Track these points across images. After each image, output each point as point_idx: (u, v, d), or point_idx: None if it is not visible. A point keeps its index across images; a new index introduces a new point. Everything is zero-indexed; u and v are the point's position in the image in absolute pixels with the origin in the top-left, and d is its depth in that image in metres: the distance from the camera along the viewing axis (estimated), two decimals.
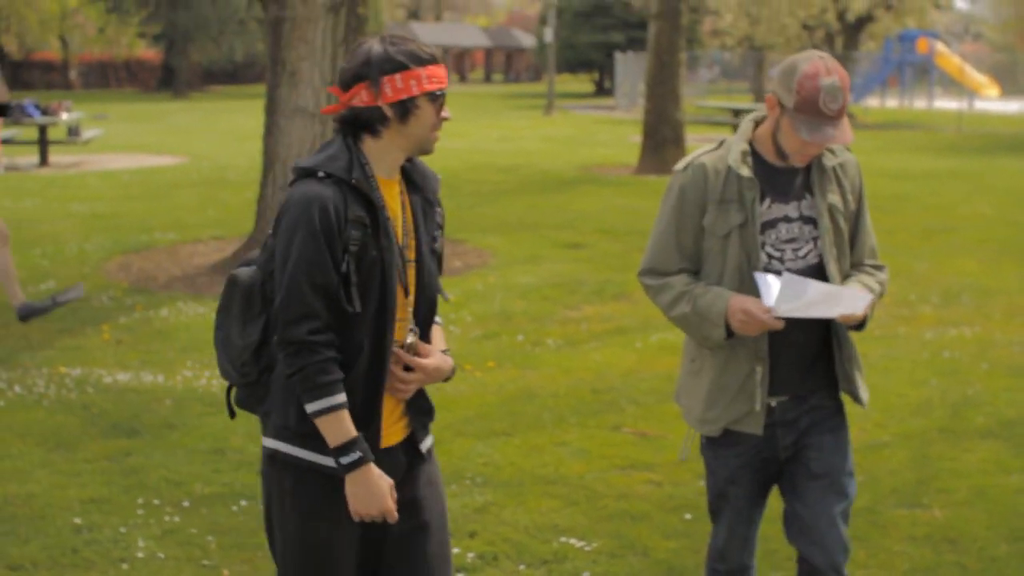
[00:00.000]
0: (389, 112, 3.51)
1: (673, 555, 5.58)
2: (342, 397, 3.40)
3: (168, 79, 61.78)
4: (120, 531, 5.77)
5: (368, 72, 3.50)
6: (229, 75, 67.80)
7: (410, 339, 3.60)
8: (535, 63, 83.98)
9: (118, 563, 5.45)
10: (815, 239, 4.06)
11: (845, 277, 4.11)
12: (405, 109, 3.52)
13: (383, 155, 3.57)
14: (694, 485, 6.31)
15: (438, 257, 3.73)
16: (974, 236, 15.04)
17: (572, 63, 65.03)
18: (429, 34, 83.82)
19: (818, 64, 3.87)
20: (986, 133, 36.96)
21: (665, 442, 7.08)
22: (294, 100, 12.06)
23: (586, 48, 62.00)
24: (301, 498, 3.51)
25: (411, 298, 3.59)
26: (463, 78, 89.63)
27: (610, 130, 34.75)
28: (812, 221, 4.07)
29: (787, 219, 4.05)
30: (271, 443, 3.52)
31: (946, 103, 51.71)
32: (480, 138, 30.76)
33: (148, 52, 64.15)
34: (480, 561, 5.50)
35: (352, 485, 3.42)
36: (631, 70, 50.13)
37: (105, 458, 6.78)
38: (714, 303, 3.96)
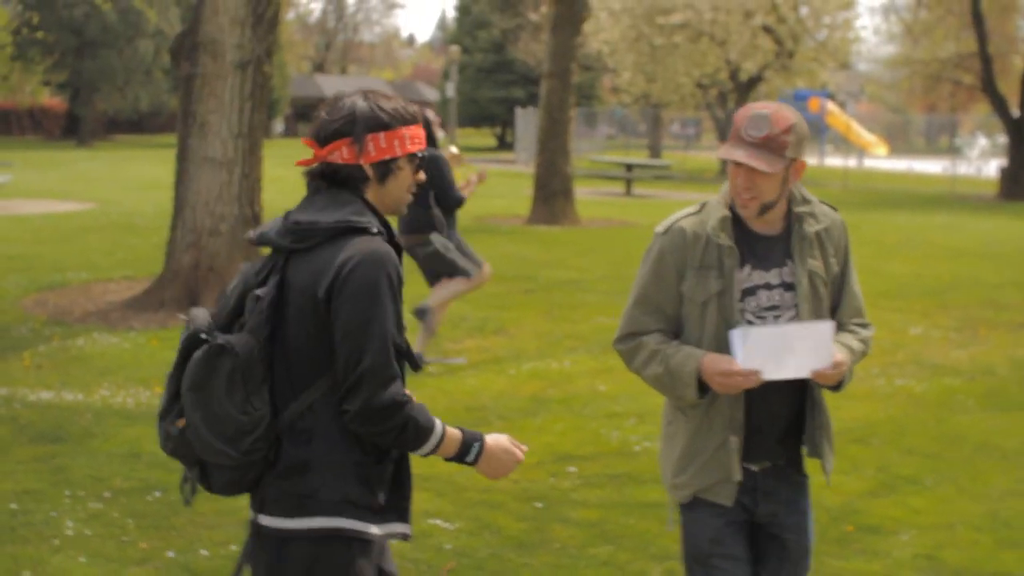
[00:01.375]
0: (370, 172, 3.49)
1: (523, 533, 6.65)
2: (437, 421, 3.47)
3: (73, 127, 62.23)
4: (51, 515, 6.73)
5: (352, 129, 3.47)
6: (134, 124, 68.28)
7: None
8: (439, 117, 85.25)
9: (50, 539, 6.40)
10: (796, 306, 4.02)
11: None
12: (387, 170, 3.50)
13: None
14: (545, 482, 7.41)
15: None
16: None
17: (475, 117, 66.46)
18: (333, 87, 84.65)
19: (764, 102, 3.96)
20: (869, 189, 38.78)
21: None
22: (203, 150, 13.10)
23: (488, 103, 63.39)
24: (365, 570, 3.47)
25: None
26: None
27: (508, 183, 35.91)
28: (794, 288, 4.04)
29: (768, 286, 4.03)
30: (328, 522, 3.40)
31: (837, 160, 53.67)
32: None
33: (52, 100, 64.53)
34: None
35: (484, 466, 3.57)
36: (531, 125, 51.55)
37: (34, 460, 7.74)
38: (685, 363, 3.92)
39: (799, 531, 4.14)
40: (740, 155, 3.85)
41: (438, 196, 10.32)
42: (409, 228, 10.14)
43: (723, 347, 3.92)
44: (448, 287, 10.44)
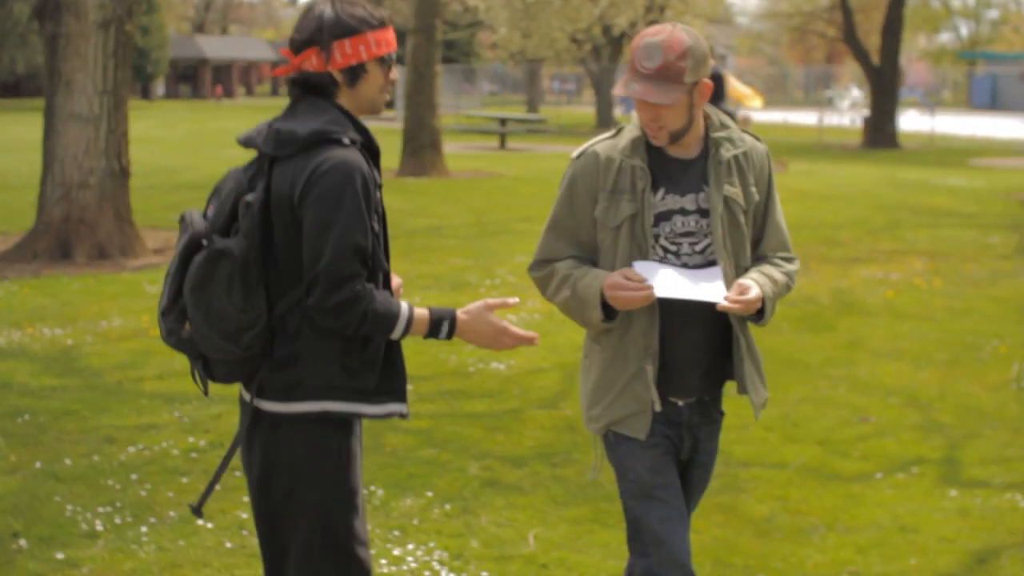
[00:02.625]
0: (339, 77, 3.60)
1: None
2: (404, 305, 3.60)
3: None
4: None
5: (319, 37, 3.58)
6: (10, 88, 67.53)
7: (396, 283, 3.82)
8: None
9: None
10: (711, 233, 3.90)
11: (740, 271, 3.96)
12: (355, 74, 3.61)
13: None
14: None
15: None
16: None
17: None
18: (215, 47, 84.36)
19: (657, 27, 3.82)
20: None
21: None
22: (69, 107, 13.64)
23: None
24: (352, 447, 3.69)
25: None
26: (250, 91, 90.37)
27: (384, 139, 35.83)
28: (709, 214, 3.92)
29: (683, 211, 3.90)
30: (316, 405, 3.58)
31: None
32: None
33: None
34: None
35: (469, 338, 3.69)
36: None
37: None
38: (591, 284, 3.83)
39: (707, 470, 4.14)
40: (637, 90, 3.76)
41: None
42: None
43: None
44: None
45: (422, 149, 24.12)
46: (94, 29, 13.58)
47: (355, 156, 3.52)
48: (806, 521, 6.22)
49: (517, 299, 3.90)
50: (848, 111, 54.70)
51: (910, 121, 46.74)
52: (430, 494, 6.45)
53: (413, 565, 5.60)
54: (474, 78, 61.74)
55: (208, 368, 3.67)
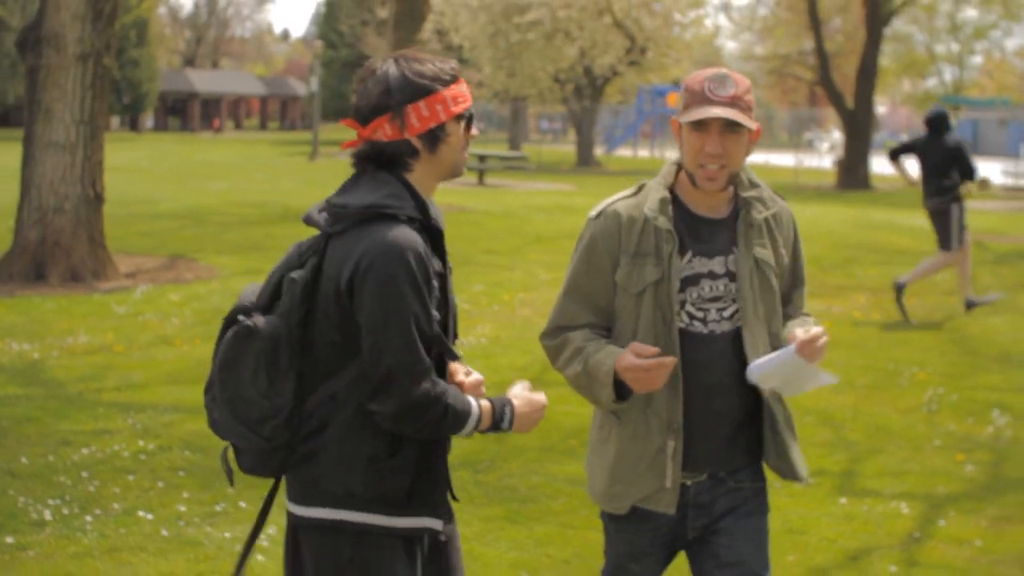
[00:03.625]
0: (418, 144, 3.29)
1: None
2: (472, 402, 3.34)
3: None
4: None
5: (389, 102, 3.26)
6: (1, 117, 68.18)
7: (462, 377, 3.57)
8: (308, 112, 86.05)
9: None
10: (738, 298, 3.70)
11: (773, 338, 3.75)
12: (435, 138, 3.29)
13: (422, 190, 3.34)
14: None
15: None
16: None
17: (341, 112, 67.47)
18: (205, 81, 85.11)
19: (707, 69, 3.67)
20: None
21: None
22: (48, 135, 14.27)
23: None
24: (380, 564, 3.32)
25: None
26: (239, 125, 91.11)
27: None
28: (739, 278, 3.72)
29: (712, 275, 3.69)
30: (332, 513, 3.29)
31: None
32: (243, 179, 32.86)
33: None
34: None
35: (517, 426, 3.43)
36: None
37: None
38: (604, 361, 3.58)
39: (732, 535, 3.78)
40: (717, 111, 3.55)
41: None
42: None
43: (659, 342, 3.62)
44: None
45: None
46: (73, 61, 14.23)
47: (409, 235, 3.19)
48: None
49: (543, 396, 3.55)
50: (827, 153, 55.45)
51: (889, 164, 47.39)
52: None
53: None
54: None
55: (237, 453, 3.40)
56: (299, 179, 33.93)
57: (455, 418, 3.26)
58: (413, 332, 3.17)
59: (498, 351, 10.80)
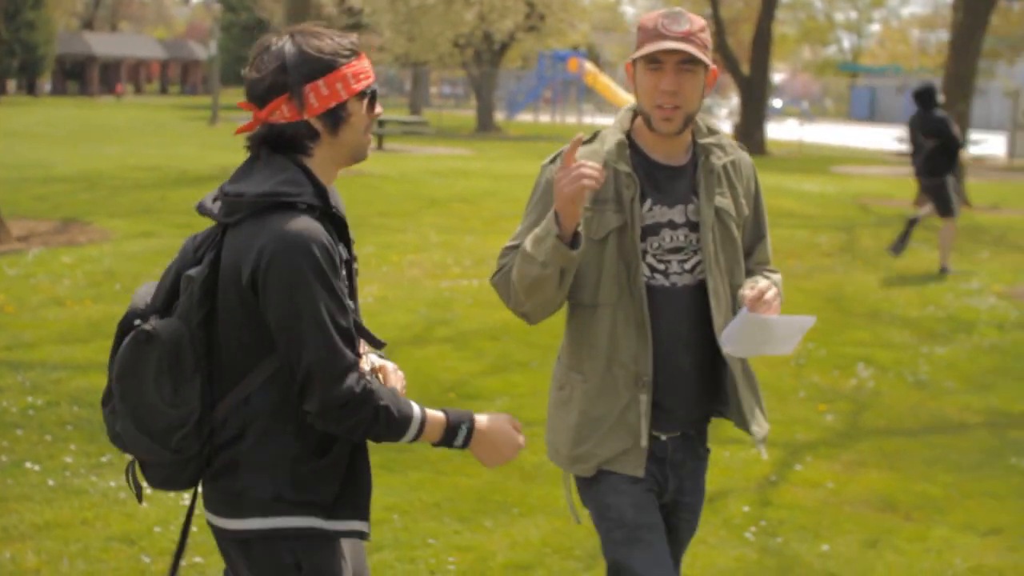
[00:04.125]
0: (318, 125, 3.02)
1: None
2: (415, 406, 3.08)
3: None
4: None
5: (286, 80, 2.99)
6: None
7: (377, 363, 3.40)
8: (209, 76, 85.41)
9: None
10: (701, 248, 3.59)
11: (735, 289, 3.64)
12: (336, 119, 3.03)
13: (321, 174, 3.09)
14: None
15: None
16: None
17: (241, 76, 67.01)
18: (104, 44, 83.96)
19: (660, 9, 3.56)
20: None
21: None
22: None
23: None
24: (331, 568, 3.13)
25: None
26: (139, 90, 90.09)
27: None
28: (699, 228, 3.60)
29: (672, 224, 3.57)
30: (264, 522, 3.05)
31: (600, 119, 55.95)
32: (140, 144, 32.68)
33: None
34: None
35: (477, 450, 3.16)
36: None
37: None
38: (543, 225, 3.41)
39: (694, 513, 3.81)
40: (671, 44, 3.41)
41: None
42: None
43: (624, 293, 3.54)
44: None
45: None
46: None
47: (310, 225, 2.94)
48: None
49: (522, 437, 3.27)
50: (725, 119, 56.14)
51: (788, 130, 48.17)
52: None
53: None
54: None
55: (144, 469, 3.17)
56: (198, 144, 33.81)
57: (389, 422, 3.01)
58: (329, 327, 2.93)
59: (383, 310, 11.09)
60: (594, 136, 3.68)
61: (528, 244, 3.45)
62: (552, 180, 3.51)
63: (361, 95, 3.07)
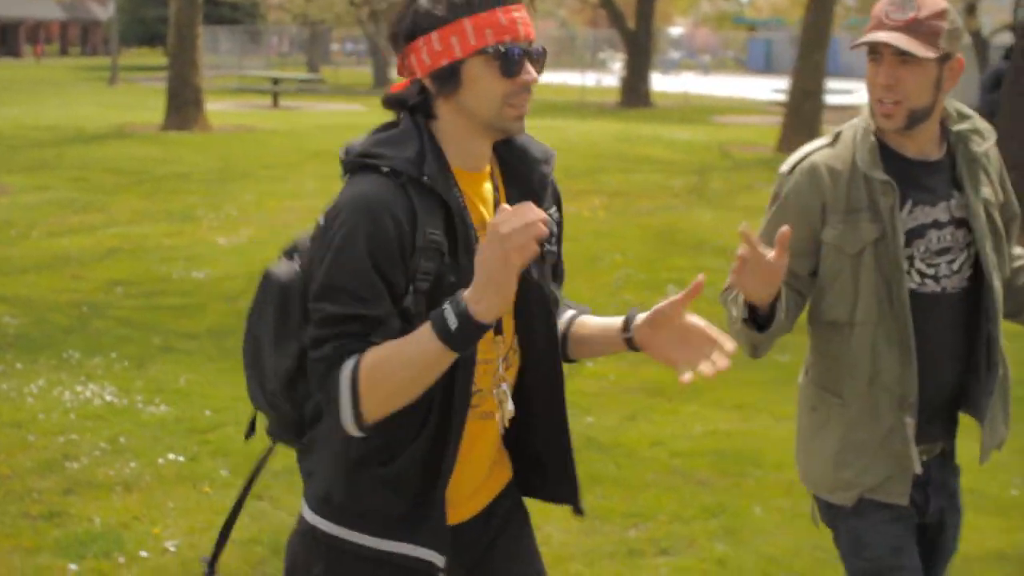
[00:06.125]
0: (429, 85, 2.59)
1: (71, 321, 9.41)
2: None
3: None
4: None
5: (399, 34, 2.60)
6: None
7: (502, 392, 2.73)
8: (109, 37, 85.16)
9: None
10: (969, 245, 3.34)
11: (1006, 287, 3.45)
12: (449, 79, 2.56)
13: (454, 140, 2.63)
14: (99, 297, 10.26)
15: (554, 273, 2.88)
16: None
17: (142, 37, 67.40)
18: (1, 6, 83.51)
19: None
20: None
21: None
22: None
23: (154, 22, 64.12)
24: None
25: (506, 335, 2.72)
26: (37, 52, 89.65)
27: (160, 97, 37.79)
28: (966, 224, 3.34)
29: (937, 224, 3.32)
30: (310, 517, 2.74)
31: None
32: (37, 104, 33.43)
33: None
34: None
35: (480, 302, 2.38)
36: None
37: None
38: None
39: (956, 531, 3.56)
40: (882, 35, 3.16)
41: None
42: None
43: (885, 312, 3.28)
44: None
45: (185, 106, 25.84)
46: None
47: (382, 192, 2.51)
48: None
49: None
50: (619, 72, 57.36)
51: (682, 83, 49.54)
52: (114, 355, 8.52)
53: (90, 397, 7.64)
54: (260, 39, 62.95)
55: None
56: (96, 103, 34.55)
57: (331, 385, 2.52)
58: (347, 294, 2.49)
59: (255, 249, 12.40)
60: (835, 138, 3.41)
61: (730, 317, 3.28)
62: (793, 193, 3.36)
63: (487, 54, 2.54)
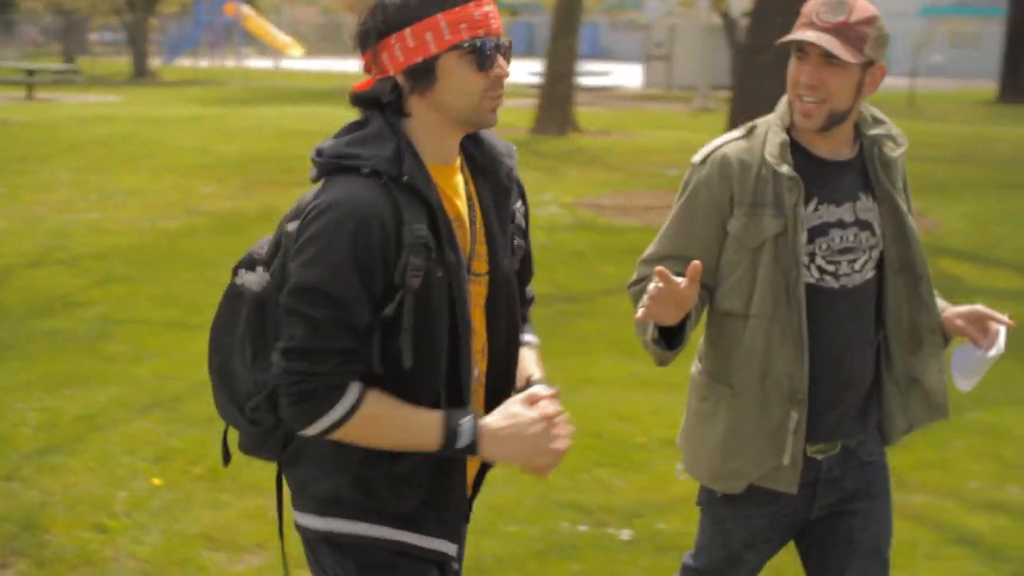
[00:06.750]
0: (404, 83, 2.59)
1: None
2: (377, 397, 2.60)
3: None
4: None
5: (370, 31, 2.58)
6: None
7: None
8: None
9: None
10: (872, 248, 3.36)
11: (909, 289, 3.42)
12: (423, 76, 2.57)
13: (427, 136, 2.65)
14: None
15: (522, 264, 2.89)
16: (160, 161, 19.48)
17: None
18: None
19: None
20: (263, 87, 41.95)
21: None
22: None
23: None
24: None
25: (478, 330, 2.76)
26: None
27: None
28: (870, 226, 3.35)
29: (841, 224, 3.32)
30: (320, 523, 2.73)
31: (260, 62, 56.61)
32: None
33: None
34: None
35: (489, 451, 2.63)
36: None
37: None
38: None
39: (868, 519, 3.49)
40: (810, 35, 3.15)
41: None
42: None
43: (780, 305, 3.28)
44: None
45: None
46: None
47: (366, 194, 2.51)
48: None
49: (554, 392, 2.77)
50: None
51: None
52: None
53: None
54: (13, 29, 61.36)
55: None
56: None
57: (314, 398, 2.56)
58: (334, 306, 2.50)
59: (4, 240, 12.38)
60: (748, 131, 3.40)
61: (637, 322, 3.23)
62: (703, 183, 3.36)
63: (461, 49, 2.57)
